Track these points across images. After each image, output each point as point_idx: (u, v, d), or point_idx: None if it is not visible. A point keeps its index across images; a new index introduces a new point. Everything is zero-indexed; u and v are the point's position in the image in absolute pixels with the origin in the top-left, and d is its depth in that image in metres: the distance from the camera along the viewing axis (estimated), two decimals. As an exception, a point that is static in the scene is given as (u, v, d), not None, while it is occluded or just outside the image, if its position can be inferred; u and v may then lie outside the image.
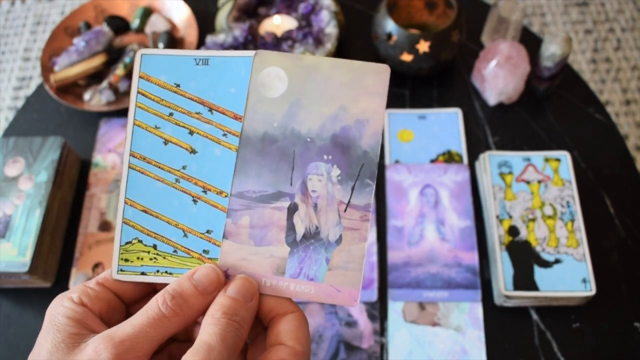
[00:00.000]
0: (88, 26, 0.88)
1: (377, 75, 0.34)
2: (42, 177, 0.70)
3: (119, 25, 0.89)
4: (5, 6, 1.73)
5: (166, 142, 0.34)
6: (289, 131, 0.34)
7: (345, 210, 0.33)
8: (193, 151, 0.34)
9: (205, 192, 0.34)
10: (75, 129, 0.82)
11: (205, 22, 0.90)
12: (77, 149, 0.79)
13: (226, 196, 0.34)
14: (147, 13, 0.90)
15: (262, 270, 0.33)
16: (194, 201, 0.34)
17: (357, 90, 0.34)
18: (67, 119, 0.84)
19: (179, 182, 0.34)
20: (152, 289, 0.34)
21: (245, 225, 0.33)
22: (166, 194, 0.34)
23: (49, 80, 0.82)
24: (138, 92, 0.35)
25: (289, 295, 0.32)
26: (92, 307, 0.30)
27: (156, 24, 0.89)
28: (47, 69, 0.84)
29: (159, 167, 0.34)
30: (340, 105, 0.34)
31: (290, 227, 0.33)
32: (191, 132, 0.34)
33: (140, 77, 0.35)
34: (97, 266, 0.69)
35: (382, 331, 0.65)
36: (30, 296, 0.69)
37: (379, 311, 0.66)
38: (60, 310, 0.29)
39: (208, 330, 0.28)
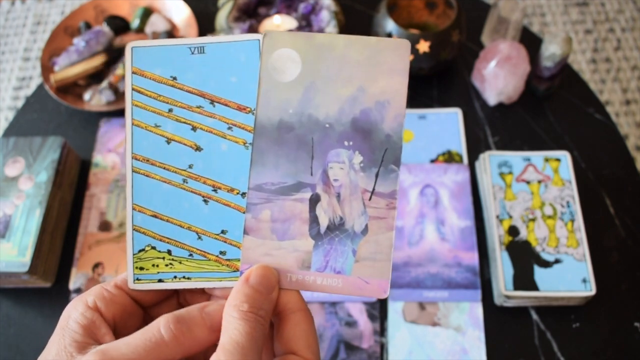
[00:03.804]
0: (88, 26, 0.88)
1: (396, 51, 0.31)
2: (42, 177, 0.70)
3: (119, 25, 0.89)
4: (5, 6, 1.73)
5: (169, 140, 0.32)
6: (305, 117, 0.31)
7: (370, 199, 0.31)
8: (198, 148, 0.32)
9: (215, 190, 0.32)
10: (75, 129, 0.82)
11: (205, 22, 0.90)
12: (77, 149, 0.79)
13: (238, 193, 0.32)
14: (147, 13, 0.90)
15: (287, 265, 0.31)
16: (205, 201, 0.32)
17: (376, 69, 0.31)
18: (67, 119, 0.84)
19: (186, 183, 0.32)
20: (173, 292, 0.33)
21: (267, 219, 0.31)
22: (175, 196, 0.32)
23: (49, 80, 0.82)
24: (133, 89, 0.32)
25: (316, 289, 0.31)
26: (106, 312, 0.30)
27: (156, 24, 0.89)
28: (47, 69, 0.84)
29: (164, 168, 0.32)
30: (359, 85, 0.31)
31: (314, 219, 0.31)
32: (194, 128, 0.32)
33: (133, 72, 0.32)
34: (97, 266, 0.69)
35: (382, 331, 0.65)
36: (30, 296, 0.69)
37: (379, 311, 0.66)
38: (72, 314, 0.29)
39: (237, 327, 0.27)
